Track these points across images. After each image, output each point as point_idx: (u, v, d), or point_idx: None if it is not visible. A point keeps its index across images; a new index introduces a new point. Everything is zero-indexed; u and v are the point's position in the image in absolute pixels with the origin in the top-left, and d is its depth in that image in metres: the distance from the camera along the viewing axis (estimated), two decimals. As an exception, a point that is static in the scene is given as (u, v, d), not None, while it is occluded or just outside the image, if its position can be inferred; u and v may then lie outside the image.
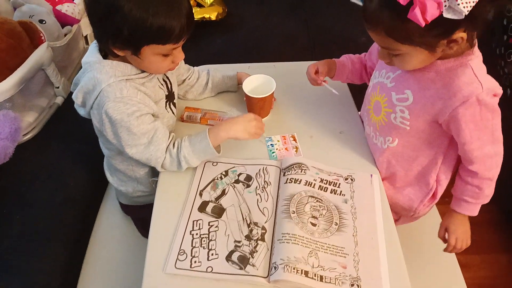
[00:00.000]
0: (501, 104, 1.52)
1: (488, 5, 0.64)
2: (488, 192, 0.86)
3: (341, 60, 1.07)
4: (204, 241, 0.82)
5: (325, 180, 0.92)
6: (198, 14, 1.70)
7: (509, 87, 1.37)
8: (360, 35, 1.81)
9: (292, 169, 0.93)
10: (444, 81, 0.78)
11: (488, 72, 1.44)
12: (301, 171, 0.92)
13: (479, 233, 1.53)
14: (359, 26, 1.87)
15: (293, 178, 0.91)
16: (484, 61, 1.53)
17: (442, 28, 0.66)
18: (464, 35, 0.69)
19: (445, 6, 0.62)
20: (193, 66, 1.16)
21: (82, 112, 0.93)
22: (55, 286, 1.01)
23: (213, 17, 1.72)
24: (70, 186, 1.17)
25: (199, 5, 1.74)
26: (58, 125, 1.33)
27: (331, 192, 0.90)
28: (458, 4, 0.60)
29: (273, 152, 1.01)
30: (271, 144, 1.03)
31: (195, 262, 0.78)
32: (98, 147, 1.06)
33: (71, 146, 1.26)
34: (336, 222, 0.84)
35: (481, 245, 1.49)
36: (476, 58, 0.76)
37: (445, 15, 0.62)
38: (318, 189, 0.90)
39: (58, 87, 1.37)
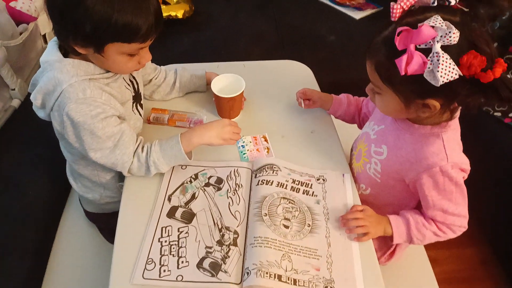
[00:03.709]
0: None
1: (466, 86, 0.66)
2: (428, 238, 0.84)
3: (339, 98, 1.09)
4: (173, 248, 0.79)
5: (297, 180, 0.91)
6: (164, 12, 1.65)
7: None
8: (328, 34, 1.83)
9: (264, 170, 0.91)
10: (415, 146, 0.81)
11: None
12: (273, 172, 0.91)
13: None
14: (327, 25, 1.90)
15: (264, 180, 0.89)
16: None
17: (420, 87, 0.69)
18: (437, 104, 0.72)
19: (429, 68, 0.65)
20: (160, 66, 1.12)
21: (41, 114, 0.87)
22: (14, 301, 0.94)
23: (180, 15, 1.68)
24: (29, 195, 1.10)
25: (165, 3, 1.70)
26: (15, 129, 1.25)
27: (303, 193, 0.89)
28: (438, 71, 0.63)
29: (244, 154, 0.99)
30: (242, 145, 1.00)
31: (164, 271, 0.75)
32: (59, 152, 1.01)
33: (29, 151, 1.19)
34: (308, 224, 0.83)
35: (450, 240, 1.52)
36: (451, 131, 0.79)
37: (425, 75, 0.65)
38: (291, 190, 0.89)
39: (14, 89, 1.29)
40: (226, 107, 1.04)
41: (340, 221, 0.83)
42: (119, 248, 0.79)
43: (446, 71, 0.63)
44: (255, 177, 0.91)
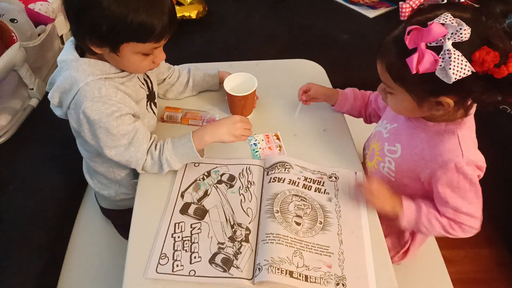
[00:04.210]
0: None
1: (479, 82, 0.65)
2: (436, 229, 0.83)
3: (345, 93, 1.08)
4: (186, 244, 0.79)
5: (309, 178, 0.91)
6: (177, 12, 1.67)
7: None
8: (342, 33, 1.82)
9: (276, 168, 0.92)
10: (430, 143, 0.81)
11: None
12: (284, 170, 0.91)
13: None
14: (340, 24, 1.89)
15: (276, 177, 0.89)
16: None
17: (432, 85, 0.69)
18: (451, 102, 0.71)
19: (440, 65, 0.64)
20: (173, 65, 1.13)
21: (58, 112, 0.89)
22: (30, 297, 0.97)
23: (193, 16, 1.69)
24: (46, 192, 1.12)
25: (179, 4, 1.71)
26: (33, 128, 1.28)
27: (315, 191, 0.89)
28: (450, 69, 0.62)
29: (256, 152, 0.99)
30: (254, 143, 1.01)
31: (177, 265, 0.76)
32: (76, 150, 1.03)
33: (47, 149, 1.22)
34: (320, 221, 0.83)
35: (465, 240, 1.50)
36: (466, 128, 0.78)
37: (437, 73, 0.65)
38: (302, 187, 0.89)
39: (32, 89, 1.32)
40: (238, 106, 1.05)
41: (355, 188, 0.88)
42: (134, 243, 0.81)
43: (459, 68, 0.62)
44: (267, 174, 0.92)
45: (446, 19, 0.64)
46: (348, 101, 1.07)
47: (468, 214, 0.80)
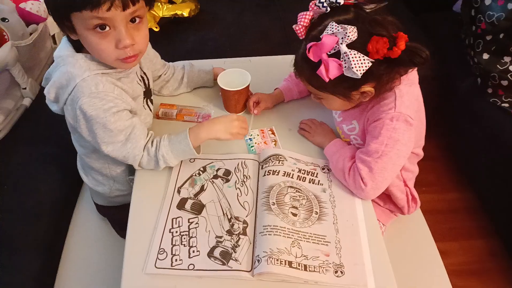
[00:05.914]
0: (473, 92, 1.58)
1: (383, 66, 0.75)
2: (339, 167, 0.88)
3: (286, 86, 1.11)
4: (184, 238, 0.80)
5: (303, 170, 0.92)
6: (170, 10, 1.67)
7: (479, 76, 1.41)
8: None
9: (270, 161, 0.92)
10: (375, 107, 0.86)
11: (459, 62, 1.57)
12: (278, 163, 0.92)
13: (458, 220, 1.58)
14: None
15: (271, 170, 0.90)
16: (455, 52, 1.62)
17: (348, 83, 0.78)
18: (371, 89, 0.80)
19: (345, 67, 0.73)
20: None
21: (54, 108, 0.88)
22: (27, 297, 0.96)
23: (186, 14, 1.69)
24: (41, 191, 1.12)
25: (171, 2, 1.71)
26: (26, 127, 1.27)
27: (309, 182, 0.90)
28: (353, 67, 0.71)
29: (252, 146, 1.00)
30: (249, 138, 1.02)
31: (176, 260, 0.76)
32: (70, 148, 1.02)
33: (40, 149, 1.21)
34: (316, 211, 0.84)
35: (460, 232, 1.53)
36: (403, 86, 0.84)
37: (345, 73, 0.74)
38: (297, 179, 0.90)
39: (25, 88, 1.31)
40: (232, 101, 1.06)
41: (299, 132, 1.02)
42: (131, 239, 0.81)
43: (360, 63, 0.71)
44: (262, 168, 0.92)
45: (333, 28, 0.73)
46: (292, 90, 1.11)
47: (369, 165, 0.83)
